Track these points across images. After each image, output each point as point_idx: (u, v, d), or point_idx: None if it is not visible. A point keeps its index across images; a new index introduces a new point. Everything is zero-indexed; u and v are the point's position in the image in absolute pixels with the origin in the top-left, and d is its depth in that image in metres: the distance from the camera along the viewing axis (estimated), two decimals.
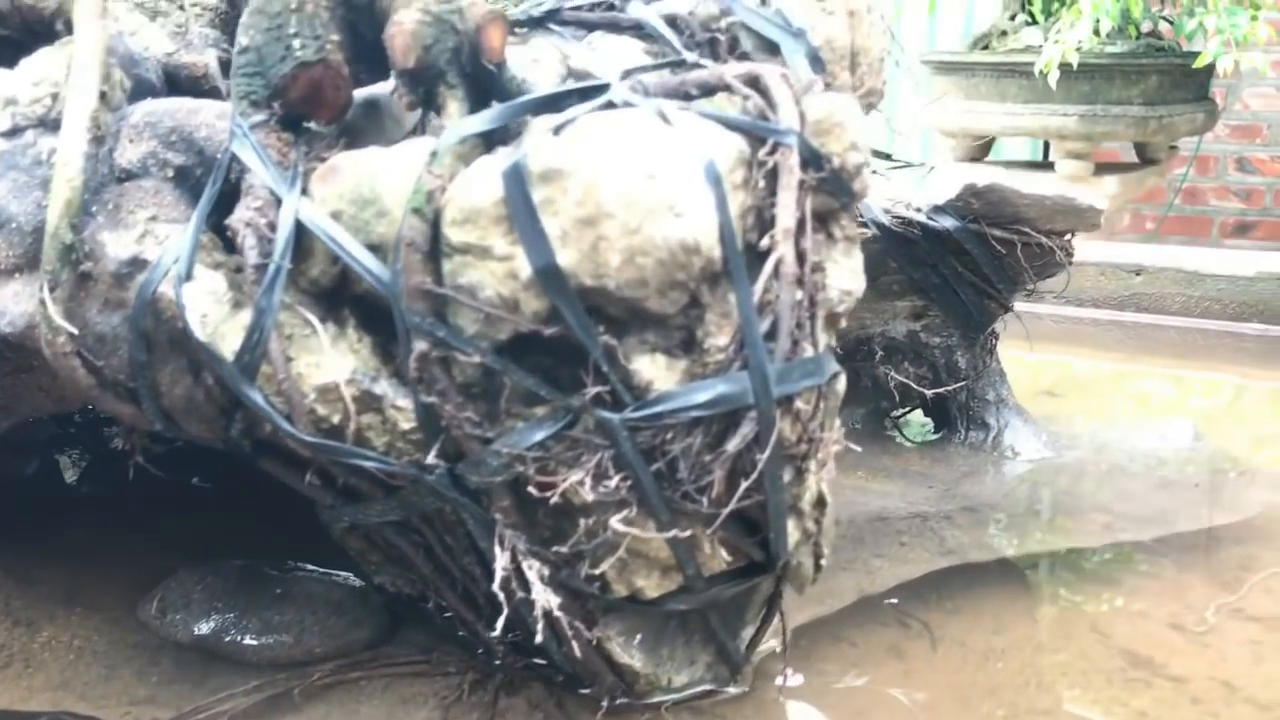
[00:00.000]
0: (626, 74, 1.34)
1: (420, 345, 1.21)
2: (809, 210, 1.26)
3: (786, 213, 1.23)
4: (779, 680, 1.53)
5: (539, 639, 1.35)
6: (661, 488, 1.24)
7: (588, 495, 1.22)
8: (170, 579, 1.74)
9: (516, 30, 1.56)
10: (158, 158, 1.41)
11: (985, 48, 3.43)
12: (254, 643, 1.64)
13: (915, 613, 1.83)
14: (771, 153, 1.23)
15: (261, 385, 1.28)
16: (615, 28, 1.58)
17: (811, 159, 1.25)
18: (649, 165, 1.16)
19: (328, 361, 1.27)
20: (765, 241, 1.24)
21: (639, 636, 1.41)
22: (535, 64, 1.47)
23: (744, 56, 1.54)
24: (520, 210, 1.15)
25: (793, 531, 1.33)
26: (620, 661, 1.40)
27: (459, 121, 1.24)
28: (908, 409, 2.53)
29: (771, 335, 1.23)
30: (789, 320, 1.23)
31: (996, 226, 2.19)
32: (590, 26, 1.59)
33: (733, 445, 1.22)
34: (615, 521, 1.23)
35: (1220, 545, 2.07)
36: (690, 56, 1.44)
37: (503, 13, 1.30)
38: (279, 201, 1.29)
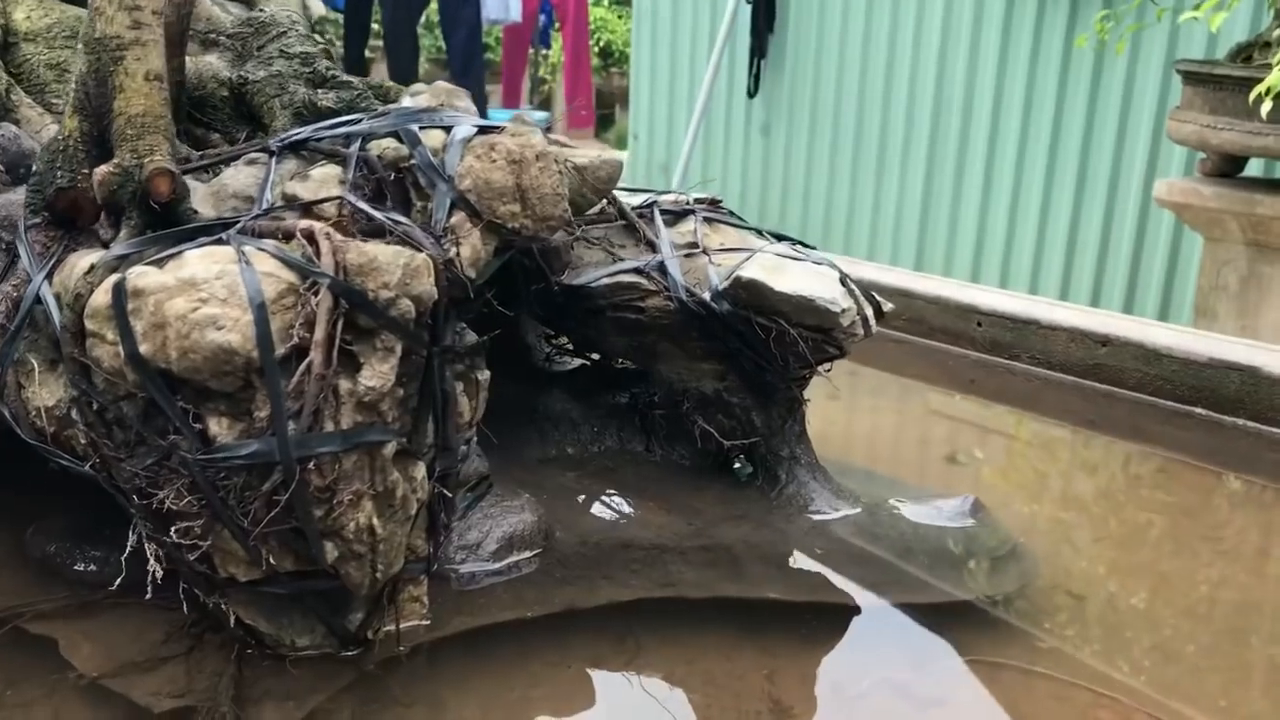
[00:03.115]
0: (257, 216, 1.89)
1: (73, 392, 1.82)
2: (339, 328, 1.77)
3: (319, 329, 1.75)
4: (396, 650, 2.05)
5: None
6: (224, 508, 1.80)
7: (174, 506, 1.80)
8: (47, 514, 2.44)
9: (271, 154, 2.13)
10: None
11: (1247, 59, 3.45)
12: (76, 567, 2.31)
13: (610, 628, 2.29)
14: (310, 288, 1.76)
15: (7, 400, 1.93)
16: (333, 158, 2.12)
17: (343, 293, 1.76)
18: (201, 293, 1.71)
19: (44, 392, 1.90)
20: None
21: (256, 608, 1.97)
22: (255, 185, 2.05)
23: (421, 192, 2.06)
24: (119, 313, 1.73)
25: (333, 550, 1.85)
26: (246, 623, 1.98)
27: (115, 246, 1.83)
28: (733, 452, 2.93)
29: (297, 414, 1.76)
30: (312, 404, 1.75)
31: (760, 315, 2.56)
32: (325, 154, 2.14)
33: (265, 486, 1.77)
34: (193, 526, 1.81)
35: (916, 620, 2.38)
36: (351, 196, 1.97)
37: (169, 167, 1.88)
38: (28, 280, 1.92)
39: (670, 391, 2.87)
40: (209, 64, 2.58)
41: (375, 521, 1.88)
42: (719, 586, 2.45)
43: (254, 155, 2.16)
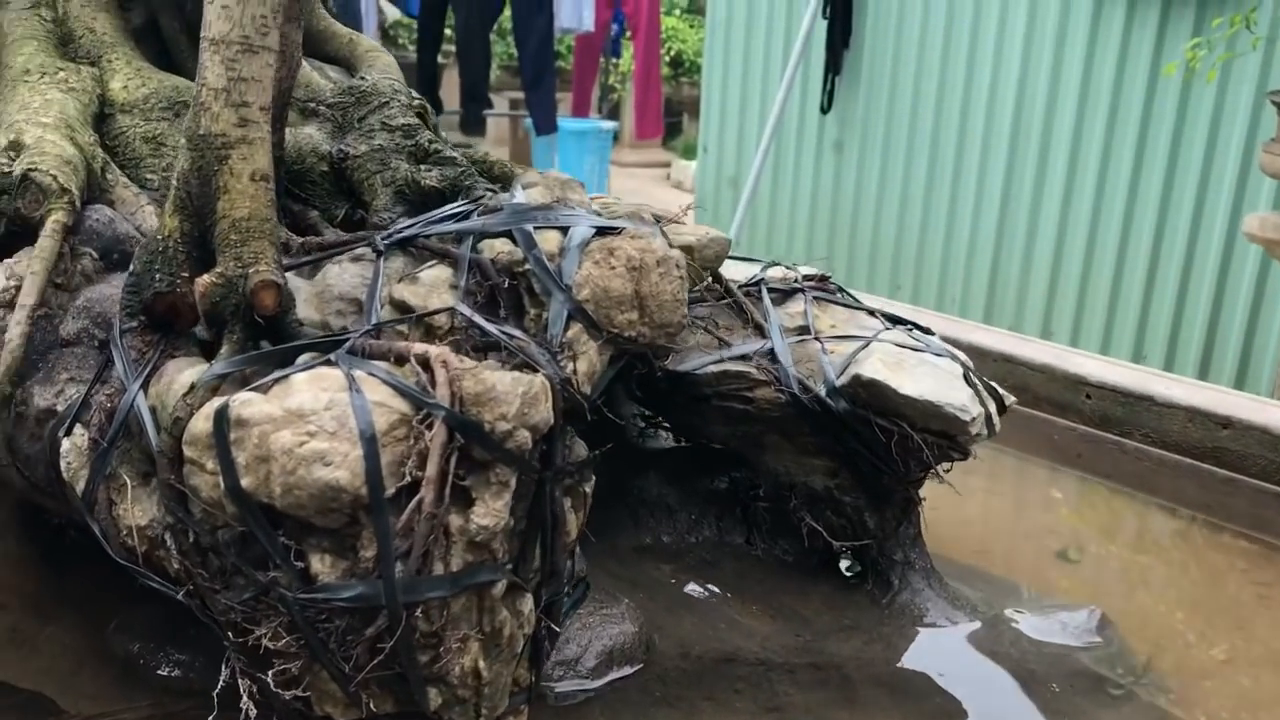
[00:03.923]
0: (366, 332, 1.76)
1: (168, 519, 1.71)
2: (453, 462, 1.63)
3: (432, 465, 1.62)
4: None
5: None
6: (324, 650, 1.67)
7: (271, 645, 1.68)
8: (128, 608, 2.34)
9: (378, 252, 2.01)
10: (89, 333, 1.98)
11: None
12: (159, 672, 2.21)
13: None
14: (424, 420, 1.63)
15: (96, 517, 1.82)
16: (444, 258, 2.00)
17: (458, 426, 1.63)
18: (309, 426, 1.59)
19: (135, 510, 1.79)
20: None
21: None
22: (361, 286, 1.93)
23: (535, 299, 1.92)
24: (221, 443, 1.61)
25: (436, 696, 1.72)
26: None
27: (215, 364, 1.71)
28: (840, 550, 2.77)
29: (406, 555, 1.63)
30: (421, 546, 1.62)
31: (881, 416, 2.40)
32: (435, 253, 2.02)
33: (369, 631, 1.64)
34: (290, 667, 1.68)
35: None
36: (464, 307, 1.84)
37: (274, 279, 1.75)
38: (124, 389, 1.81)
39: (776, 485, 2.71)
40: (308, 136, 2.46)
41: (481, 664, 1.75)
42: (830, 713, 2.29)
43: (360, 251, 2.04)
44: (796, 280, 2.92)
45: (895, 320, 2.83)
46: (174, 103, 2.40)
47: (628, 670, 2.32)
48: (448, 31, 9.72)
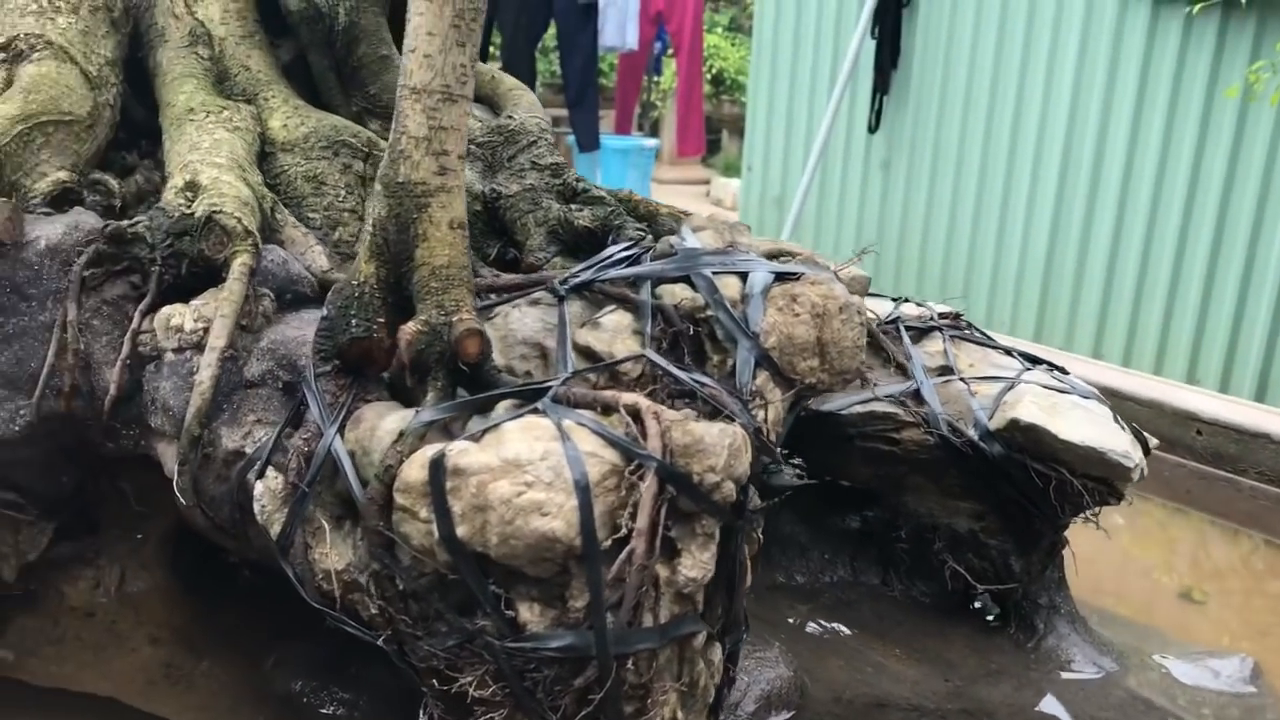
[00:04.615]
0: (568, 378, 1.76)
1: (374, 566, 1.71)
2: (663, 513, 1.63)
3: (643, 516, 1.62)
4: None
5: None
6: (530, 699, 1.67)
7: (475, 693, 1.68)
8: (289, 643, 2.35)
9: (559, 296, 2.02)
10: (273, 375, 1.99)
11: None
12: (322, 710, 2.22)
13: None
14: (636, 471, 1.63)
15: (291, 560, 1.83)
16: (624, 303, 2.00)
17: (669, 478, 1.63)
18: (526, 476, 1.59)
19: (332, 554, 1.80)
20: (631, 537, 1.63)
21: None
22: (543, 330, 1.93)
23: (717, 345, 1.92)
24: (436, 492, 1.62)
25: None
26: None
27: (423, 411, 1.72)
28: (977, 593, 2.74)
29: (617, 606, 1.62)
30: (632, 597, 1.62)
31: (1038, 461, 2.38)
32: (610, 299, 2.02)
33: (578, 682, 1.64)
34: (493, 716, 1.68)
35: None
36: (655, 355, 1.84)
37: (478, 327, 1.76)
38: (320, 434, 1.82)
39: (918, 526, 2.70)
40: None
41: (679, 715, 1.74)
42: None
43: (537, 295, 2.04)
44: (932, 318, 2.90)
45: (1032, 360, 2.81)
46: (333, 142, 2.42)
47: (785, 715, 2.31)
48: (493, 50, 9.76)
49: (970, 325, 2.98)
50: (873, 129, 6.55)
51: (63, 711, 2.32)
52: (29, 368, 2.03)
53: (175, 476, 1.93)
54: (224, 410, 1.97)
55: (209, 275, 2.08)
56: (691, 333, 1.94)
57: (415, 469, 1.65)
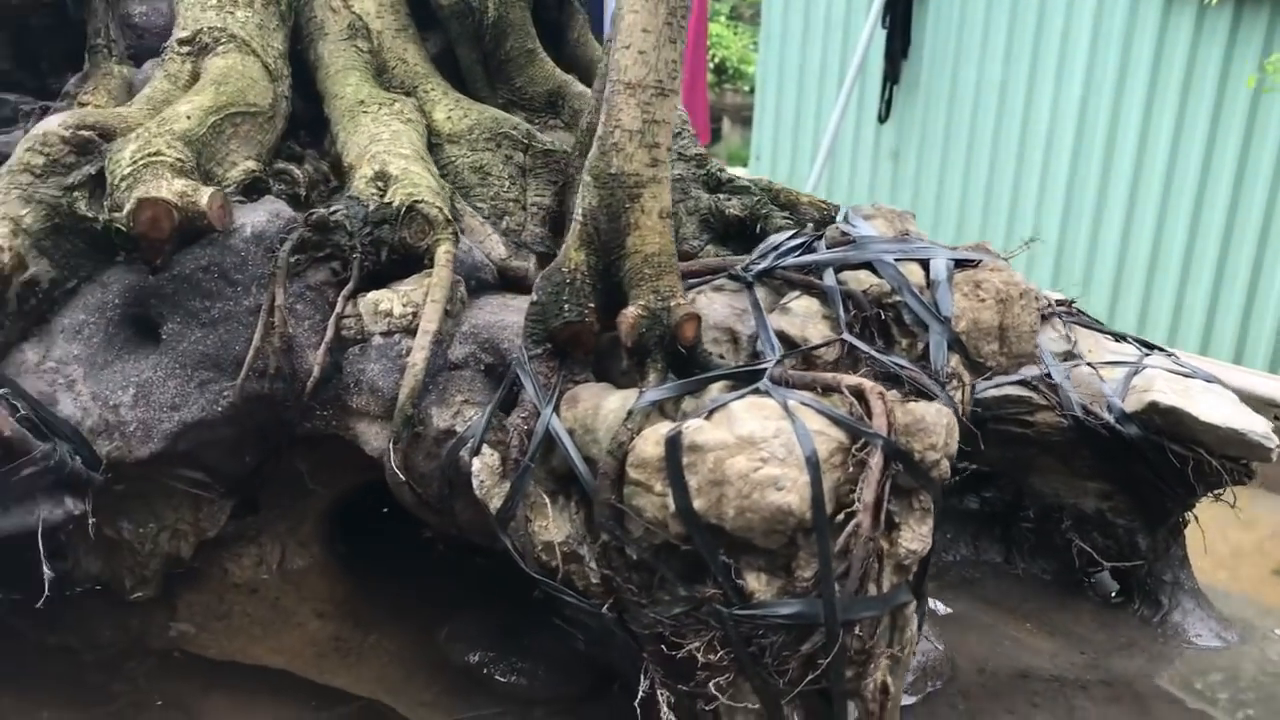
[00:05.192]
0: (779, 360, 1.85)
1: (604, 537, 1.80)
2: (888, 490, 1.73)
3: (868, 492, 1.71)
4: None
5: None
6: (755, 665, 1.76)
7: (702, 658, 1.77)
8: (459, 615, 2.44)
9: (737, 281, 2.11)
10: (476, 357, 2.08)
11: None
12: (503, 678, 2.31)
13: None
14: (862, 448, 1.72)
15: (510, 533, 1.92)
16: (809, 289, 2.09)
17: (894, 455, 1.72)
18: (762, 452, 1.68)
19: (552, 527, 1.89)
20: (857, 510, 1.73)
21: None
22: (732, 315, 2.02)
23: (905, 330, 2.01)
24: (673, 468, 1.71)
25: (854, 710, 1.81)
26: None
27: (649, 391, 1.81)
28: (1095, 570, 2.84)
29: (844, 576, 1.72)
30: (859, 568, 1.71)
31: (1175, 442, 2.48)
32: (793, 285, 2.11)
33: (805, 648, 1.73)
34: (718, 680, 1.78)
35: None
36: (853, 339, 1.93)
37: (695, 312, 1.85)
38: (537, 413, 1.91)
39: (1044, 506, 2.80)
40: None
41: (889, 679, 1.83)
42: None
43: (719, 281, 2.13)
44: (1050, 305, 2.99)
45: (1146, 345, 2.90)
46: (495, 134, 2.50)
47: (937, 685, 2.41)
48: None
49: (1082, 311, 3.07)
50: (883, 118, 6.60)
51: (239, 681, 2.40)
52: (233, 351, 2.11)
53: (389, 454, 2.01)
54: (431, 391, 2.05)
55: (402, 262, 2.17)
56: (880, 318, 2.03)
57: (650, 445, 1.74)
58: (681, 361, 1.90)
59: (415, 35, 2.69)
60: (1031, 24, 5.81)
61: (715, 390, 1.84)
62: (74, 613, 2.43)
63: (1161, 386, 2.56)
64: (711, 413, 1.76)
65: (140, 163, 2.03)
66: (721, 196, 2.54)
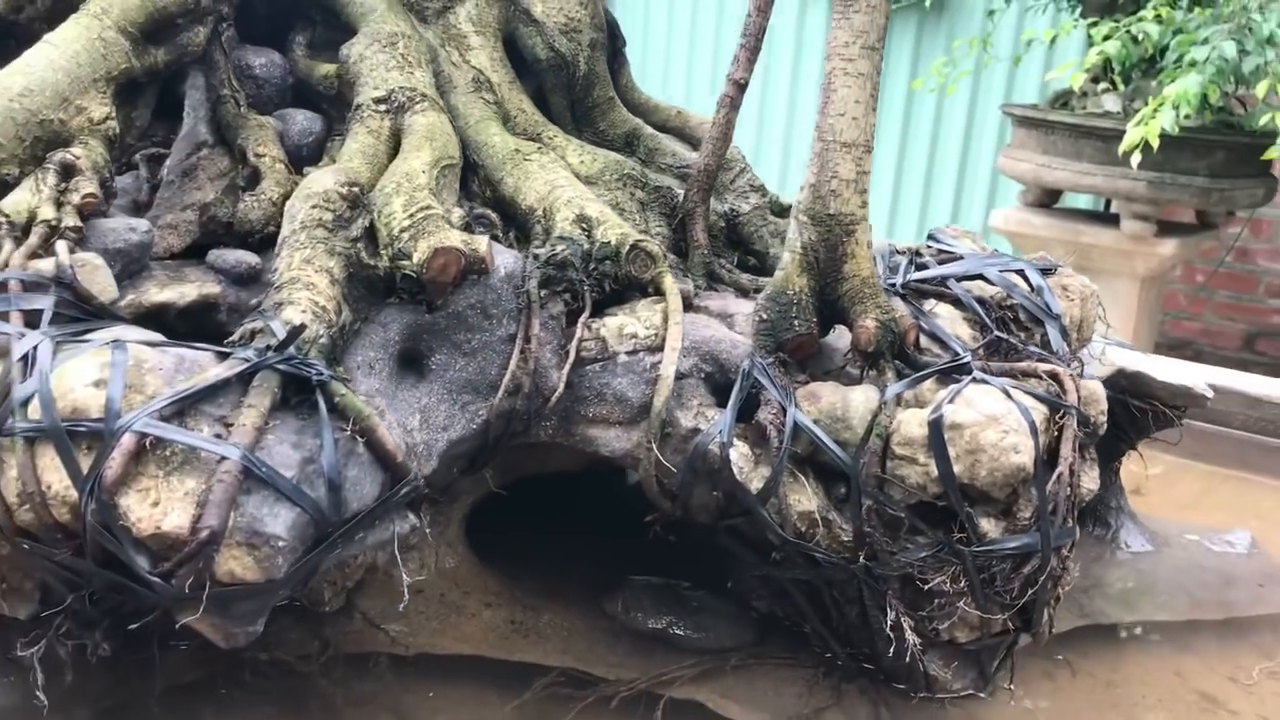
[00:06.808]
0: (973, 352, 2.42)
1: (868, 502, 2.31)
2: (1078, 446, 2.34)
3: (1067, 449, 2.32)
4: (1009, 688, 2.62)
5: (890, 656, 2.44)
6: (987, 588, 2.33)
7: (945, 589, 2.32)
8: (625, 588, 2.83)
9: (902, 295, 2.65)
10: (699, 368, 2.50)
11: (1064, 105, 4.28)
12: (688, 634, 2.73)
13: (1061, 653, 2.90)
14: (1061, 418, 2.32)
15: (770, 507, 2.38)
16: (941, 298, 2.67)
17: (1081, 421, 2.34)
18: (1004, 425, 2.25)
19: (805, 499, 2.37)
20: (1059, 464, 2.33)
21: (943, 661, 2.50)
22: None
23: (1022, 326, 2.63)
24: (937, 442, 2.24)
25: (1051, 615, 2.42)
26: (931, 674, 2.50)
27: (894, 385, 2.33)
28: None
29: (1053, 514, 2.31)
30: (1064, 507, 2.32)
31: (1136, 398, 3.26)
32: (924, 295, 2.68)
33: (1025, 570, 2.32)
34: (961, 605, 2.33)
35: (1269, 627, 3.13)
36: (1002, 334, 2.52)
37: (916, 321, 2.39)
38: (783, 409, 2.38)
39: None
40: None
41: (1061, 593, 2.46)
42: (1115, 613, 3.09)
43: None
44: None
45: None
46: (621, 175, 2.89)
47: None
48: None
49: None
50: None
51: (436, 670, 2.68)
52: (489, 375, 2.43)
53: (643, 451, 2.41)
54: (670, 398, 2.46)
55: (617, 293, 2.56)
56: (1004, 318, 2.64)
57: (914, 426, 2.27)
58: (905, 360, 2.43)
59: (521, 87, 3.03)
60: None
61: (930, 381, 2.38)
62: (272, 627, 2.62)
63: (1120, 356, 3.34)
64: (952, 398, 2.30)
65: (417, 216, 2.30)
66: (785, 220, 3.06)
